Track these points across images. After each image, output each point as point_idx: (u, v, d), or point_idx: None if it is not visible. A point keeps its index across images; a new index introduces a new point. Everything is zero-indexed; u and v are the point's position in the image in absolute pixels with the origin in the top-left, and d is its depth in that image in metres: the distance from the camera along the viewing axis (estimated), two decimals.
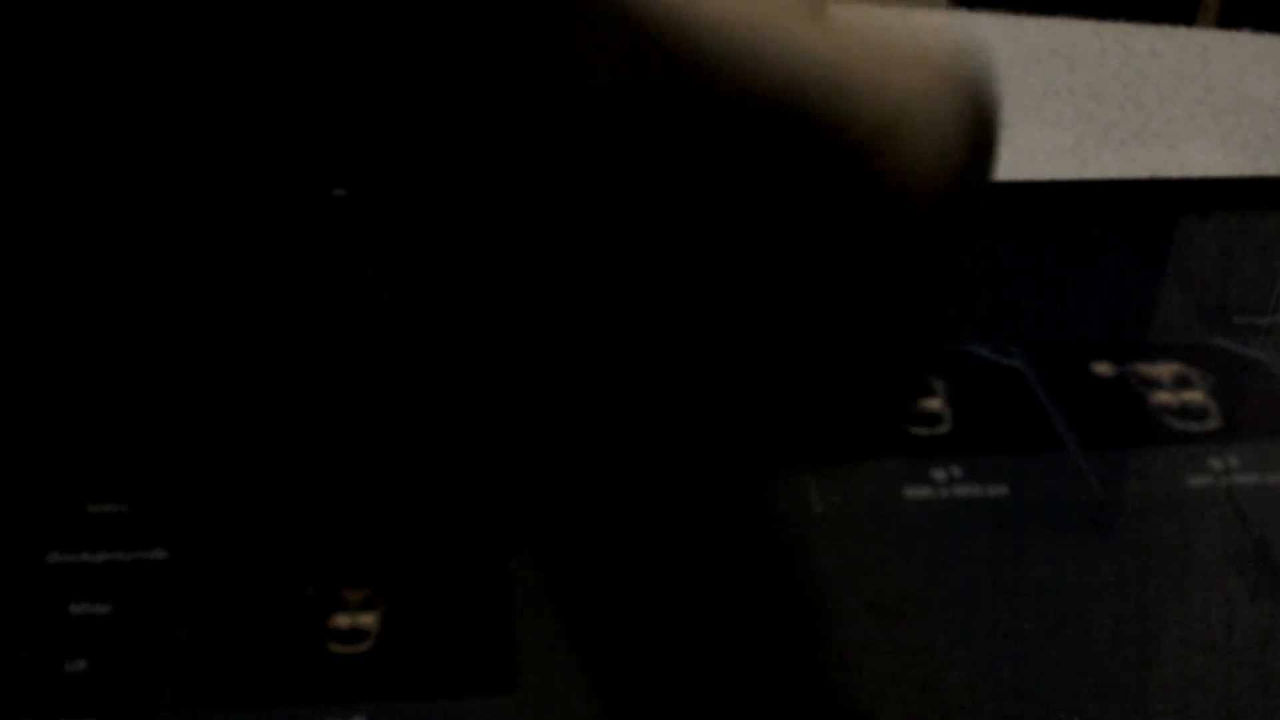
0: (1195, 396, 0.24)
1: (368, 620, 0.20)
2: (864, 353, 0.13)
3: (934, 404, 0.24)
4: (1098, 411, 0.24)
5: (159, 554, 0.20)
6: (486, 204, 0.10)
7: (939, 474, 0.23)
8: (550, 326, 0.11)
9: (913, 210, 0.12)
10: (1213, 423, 0.24)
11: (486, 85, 0.09)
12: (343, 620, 0.20)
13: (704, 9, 0.12)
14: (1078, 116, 0.41)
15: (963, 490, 0.22)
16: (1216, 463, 0.23)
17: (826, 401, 0.14)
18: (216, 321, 0.25)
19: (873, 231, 0.13)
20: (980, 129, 0.13)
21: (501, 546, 0.21)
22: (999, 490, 0.22)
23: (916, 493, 0.22)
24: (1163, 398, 0.24)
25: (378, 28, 0.10)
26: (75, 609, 0.19)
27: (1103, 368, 0.25)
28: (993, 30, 0.48)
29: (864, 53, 0.13)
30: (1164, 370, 0.25)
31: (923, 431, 0.23)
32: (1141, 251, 0.28)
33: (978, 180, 0.13)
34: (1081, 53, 0.46)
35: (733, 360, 0.14)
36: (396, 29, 0.09)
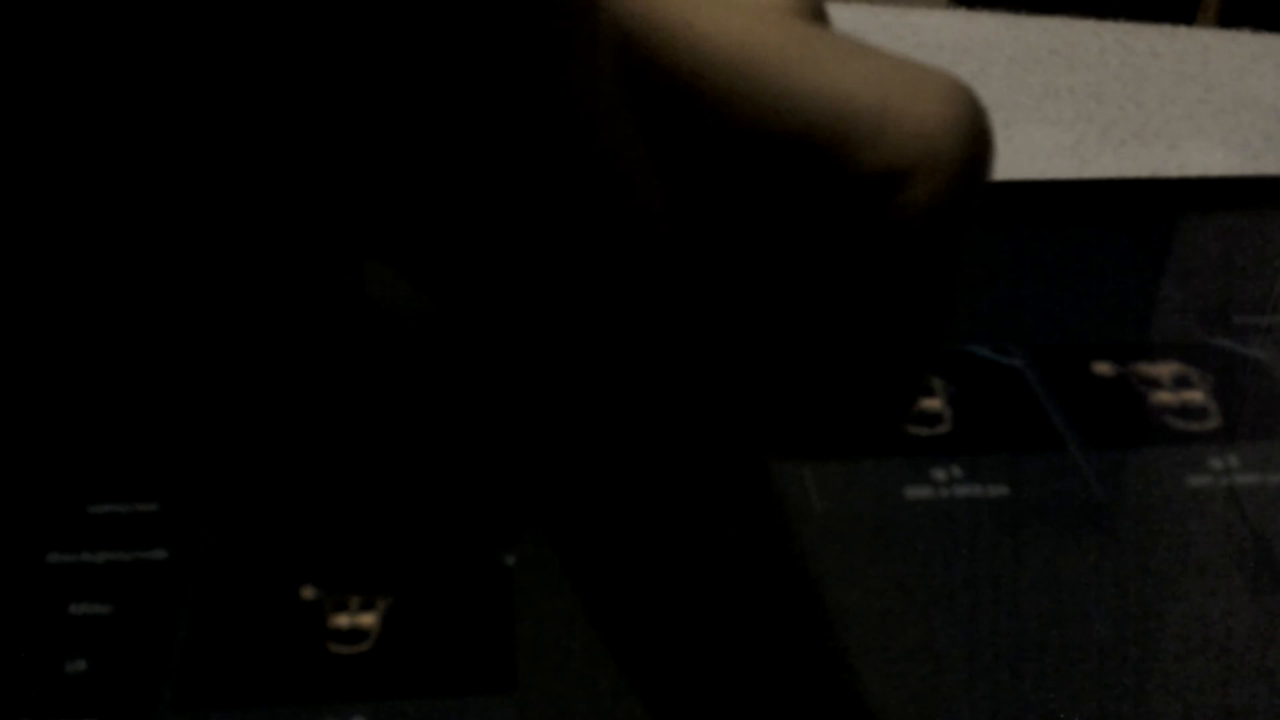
0: (1195, 396, 0.24)
1: (368, 620, 0.20)
2: (864, 354, 0.13)
3: (934, 404, 0.24)
4: (1098, 411, 0.24)
5: (159, 554, 0.20)
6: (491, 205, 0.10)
7: (939, 474, 0.23)
8: (547, 325, 0.11)
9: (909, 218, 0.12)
10: (1213, 422, 0.24)
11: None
12: (343, 620, 0.20)
13: (706, 37, 0.12)
14: (1078, 116, 0.41)
15: (963, 490, 0.22)
16: (1216, 462, 0.23)
17: (827, 401, 0.14)
18: (216, 321, 0.25)
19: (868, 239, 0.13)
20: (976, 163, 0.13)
21: (501, 545, 0.21)
22: (999, 490, 0.22)
23: (916, 493, 0.22)
24: (1163, 397, 0.24)
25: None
26: (75, 609, 0.20)
27: (1103, 367, 0.25)
28: (993, 30, 0.48)
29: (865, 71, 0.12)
30: (1164, 370, 0.25)
31: (923, 431, 0.23)
32: (1141, 251, 0.28)
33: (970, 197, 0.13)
34: (1081, 52, 0.46)
35: (731, 357, 0.13)
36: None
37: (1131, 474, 0.23)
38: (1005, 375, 0.25)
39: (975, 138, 0.12)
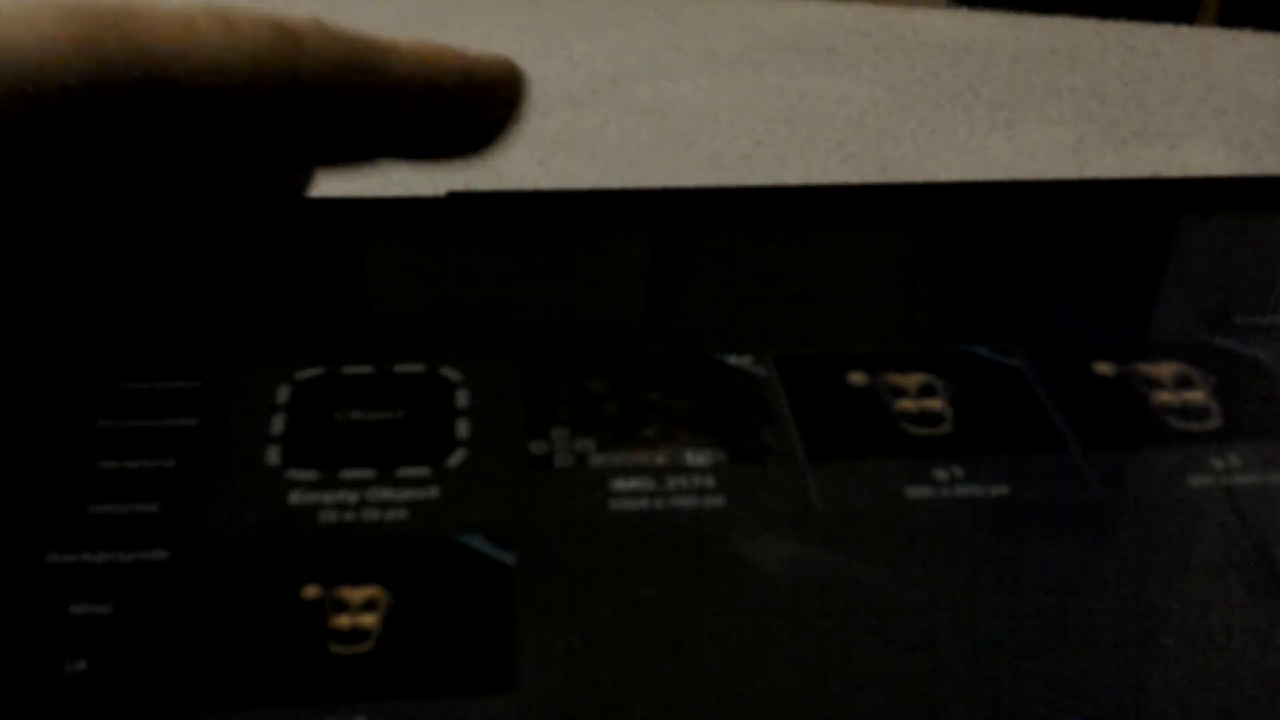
0: (1196, 396, 0.24)
1: (368, 620, 0.20)
2: None
3: (934, 404, 0.24)
4: (1099, 411, 0.24)
5: (159, 554, 0.20)
6: None
7: (940, 474, 0.23)
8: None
9: None
10: (1214, 423, 0.24)
11: None
12: (343, 620, 0.20)
13: None
14: (1079, 115, 0.41)
15: (963, 490, 0.22)
16: (1217, 463, 0.23)
17: None
18: (215, 324, 0.25)
19: None
20: None
21: (503, 546, 0.21)
22: (1000, 490, 0.22)
23: (917, 493, 0.22)
24: (1164, 397, 0.24)
25: None
26: (75, 609, 0.20)
27: (1103, 367, 0.25)
28: (994, 29, 0.48)
29: None
30: (1165, 370, 0.25)
31: (923, 431, 0.23)
32: (1142, 251, 0.28)
33: None
34: (1083, 52, 0.46)
35: None
36: None
37: (1132, 474, 0.23)
38: (1005, 375, 0.25)
39: None
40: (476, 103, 0.24)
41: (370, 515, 0.21)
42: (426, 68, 0.23)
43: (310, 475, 0.22)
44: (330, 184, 0.27)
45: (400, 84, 0.23)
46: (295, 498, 0.22)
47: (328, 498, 0.22)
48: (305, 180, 0.27)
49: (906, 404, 0.24)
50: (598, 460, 0.23)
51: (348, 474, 0.22)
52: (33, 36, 0.19)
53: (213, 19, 0.21)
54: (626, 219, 0.27)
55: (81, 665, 0.19)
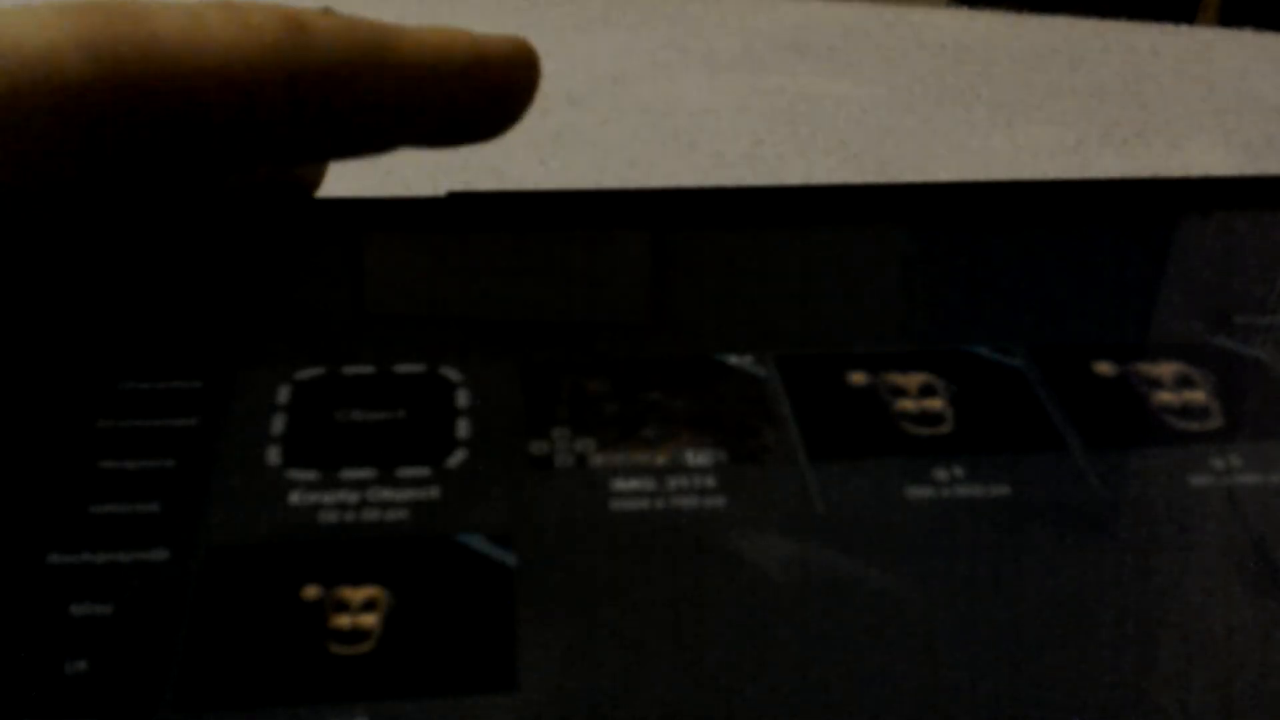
0: (1197, 396, 0.24)
1: (368, 621, 0.20)
2: None
3: (935, 404, 0.24)
4: (1099, 411, 0.24)
5: (159, 554, 0.20)
6: None
7: (940, 474, 0.23)
8: None
9: None
10: (1214, 422, 0.24)
11: None
12: (343, 620, 0.20)
13: None
14: (1079, 115, 0.41)
15: (964, 490, 0.22)
16: (1218, 462, 0.23)
17: None
18: (218, 323, 0.25)
19: None
20: None
21: (503, 546, 0.21)
22: (1001, 490, 0.22)
23: (917, 493, 0.22)
24: (1164, 397, 0.24)
25: None
26: (75, 609, 0.20)
27: (1104, 367, 0.25)
28: (995, 29, 0.48)
29: None
30: (1165, 370, 0.25)
31: (923, 431, 0.23)
32: (1142, 251, 0.28)
33: None
34: (1084, 51, 0.46)
35: None
36: None
37: (1132, 474, 0.23)
38: (1006, 375, 0.25)
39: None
40: (491, 86, 0.24)
41: (370, 515, 0.21)
42: (439, 54, 0.23)
43: (310, 475, 0.22)
44: (332, 181, 0.27)
45: (413, 72, 0.22)
46: (295, 498, 0.22)
47: (328, 498, 0.22)
48: (318, 172, 0.27)
49: (907, 404, 0.24)
50: (598, 460, 0.23)
51: (348, 474, 0.22)
52: (38, 35, 0.19)
53: (221, 12, 0.21)
54: (626, 219, 0.27)
55: (81, 665, 0.19)
